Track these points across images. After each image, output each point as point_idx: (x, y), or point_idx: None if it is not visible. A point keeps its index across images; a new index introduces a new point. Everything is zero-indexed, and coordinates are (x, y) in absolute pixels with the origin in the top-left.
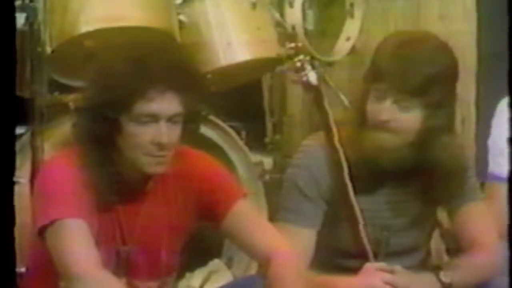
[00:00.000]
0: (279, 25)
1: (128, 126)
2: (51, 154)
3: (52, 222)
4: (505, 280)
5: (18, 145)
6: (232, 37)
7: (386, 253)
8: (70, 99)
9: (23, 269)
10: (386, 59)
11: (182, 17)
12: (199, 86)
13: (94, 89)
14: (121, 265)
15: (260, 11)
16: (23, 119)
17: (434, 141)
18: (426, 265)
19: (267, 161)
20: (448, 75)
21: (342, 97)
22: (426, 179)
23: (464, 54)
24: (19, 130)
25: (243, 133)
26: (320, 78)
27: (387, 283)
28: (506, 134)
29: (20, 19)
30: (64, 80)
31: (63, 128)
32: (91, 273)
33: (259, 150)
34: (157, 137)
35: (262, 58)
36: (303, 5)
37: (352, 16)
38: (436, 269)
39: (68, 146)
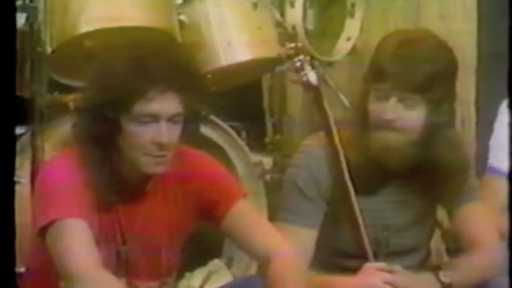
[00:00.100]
0: (279, 25)
1: (128, 126)
2: (51, 154)
3: (52, 222)
4: (505, 280)
5: (18, 145)
6: (232, 37)
7: (386, 253)
8: (70, 99)
9: (23, 269)
10: (388, 59)
11: (182, 17)
12: (199, 86)
13: (94, 89)
14: (121, 265)
15: (261, 11)
16: (23, 119)
17: (437, 138)
18: (426, 265)
19: (267, 161)
20: (448, 72)
21: (342, 97)
22: (428, 177)
23: (464, 54)
24: (19, 130)
25: (243, 133)
26: (320, 78)
27: (387, 283)
28: (507, 130)
29: (21, 19)
30: (64, 80)
31: (63, 128)
32: (91, 273)
33: (259, 150)
34: (157, 137)
35: (263, 58)
36: (304, 5)
37: (352, 16)
38: (436, 269)
39: (68, 146)
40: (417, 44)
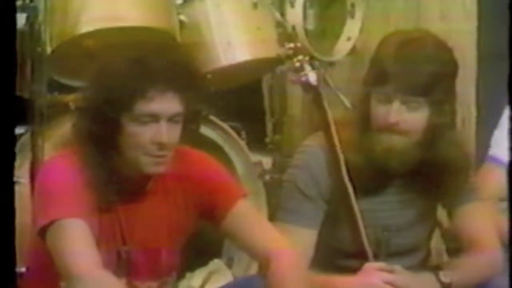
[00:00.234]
0: (279, 25)
1: (128, 126)
2: (51, 154)
3: (52, 222)
4: (505, 280)
5: (18, 145)
6: (232, 37)
7: (387, 253)
8: (70, 99)
9: (23, 269)
10: (389, 62)
11: (182, 17)
12: (199, 86)
13: (94, 89)
14: (121, 265)
15: (261, 11)
16: (23, 119)
17: (439, 139)
18: (426, 265)
19: (267, 161)
20: (449, 73)
21: (342, 97)
22: (429, 177)
23: (464, 54)
24: (19, 130)
25: (243, 133)
26: (320, 78)
27: (387, 282)
28: None
29: (21, 19)
30: (64, 80)
31: (63, 128)
32: (91, 273)
33: (259, 150)
34: (157, 137)
35: (262, 58)
36: (304, 5)
37: (352, 16)
38: (435, 269)
39: (68, 146)
40: (418, 46)
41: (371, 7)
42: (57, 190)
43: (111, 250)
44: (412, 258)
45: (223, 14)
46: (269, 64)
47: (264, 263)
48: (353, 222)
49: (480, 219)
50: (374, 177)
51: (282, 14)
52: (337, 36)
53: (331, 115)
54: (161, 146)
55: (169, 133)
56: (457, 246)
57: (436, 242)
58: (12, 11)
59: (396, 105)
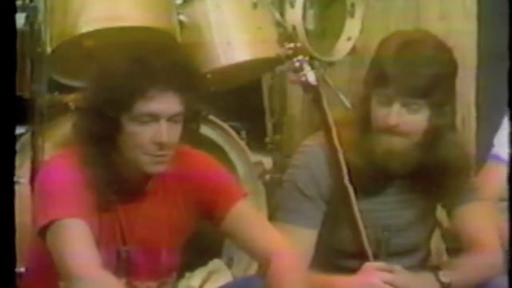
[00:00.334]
0: (279, 25)
1: (129, 126)
2: (51, 154)
3: (52, 222)
4: (505, 280)
5: (18, 145)
6: (232, 37)
7: (387, 253)
8: (70, 99)
9: (23, 269)
10: (389, 63)
11: (182, 17)
12: (199, 86)
13: (94, 89)
14: (121, 265)
15: (261, 11)
16: (23, 119)
17: (439, 139)
18: (426, 265)
19: (267, 161)
20: (449, 74)
21: (342, 97)
22: (429, 177)
23: (464, 54)
24: (19, 130)
25: (243, 133)
26: (320, 78)
27: (386, 282)
28: None
29: (21, 19)
30: (64, 80)
31: (63, 128)
32: (92, 273)
33: (259, 150)
34: (157, 136)
35: (262, 58)
36: (304, 5)
37: (352, 16)
38: (435, 269)
39: (68, 146)
40: (418, 47)
41: (371, 7)
42: (57, 190)
43: (111, 250)
44: (412, 258)
45: (223, 14)
46: (269, 64)
47: (264, 263)
48: (353, 222)
49: (480, 219)
50: (374, 178)
51: (282, 14)
52: (337, 36)
53: (331, 115)
54: (161, 146)
55: (169, 133)
56: (457, 246)
57: (436, 242)
58: (12, 11)
59: (396, 107)
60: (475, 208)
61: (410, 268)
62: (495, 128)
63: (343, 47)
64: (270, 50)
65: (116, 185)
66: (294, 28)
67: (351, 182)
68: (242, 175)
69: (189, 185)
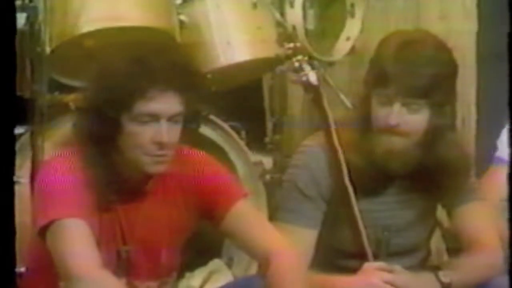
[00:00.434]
0: (279, 25)
1: (129, 126)
2: (51, 154)
3: (52, 222)
4: (505, 280)
5: (18, 145)
6: (232, 37)
7: (387, 253)
8: (70, 99)
9: (23, 269)
10: (389, 63)
11: (182, 17)
12: (199, 86)
13: (95, 89)
14: (121, 265)
15: (260, 11)
16: (23, 119)
17: (439, 139)
18: (426, 265)
19: (267, 161)
20: (450, 74)
21: (343, 97)
22: (429, 177)
23: (464, 54)
24: (19, 130)
25: (243, 133)
26: (320, 78)
27: (386, 282)
28: None
29: (21, 19)
30: (64, 80)
31: (63, 128)
32: (92, 273)
33: (259, 150)
34: (157, 136)
35: (262, 58)
36: (304, 5)
37: (352, 16)
38: (435, 269)
39: (68, 146)
40: (418, 47)
41: (371, 7)
42: (57, 190)
43: (111, 250)
44: (412, 258)
45: (223, 14)
46: (268, 64)
47: (264, 263)
48: (353, 222)
49: (480, 219)
50: (374, 178)
51: (282, 14)
52: (336, 36)
53: (331, 115)
54: (161, 145)
55: (169, 133)
56: (457, 246)
57: (436, 242)
58: (12, 11)
59: (396, 107)
60: (475, 208)
61: (410, 268)
62: (495, 128)
63: (343, 47)
64: (270, 50)
65: (116, 185)
66: (294, 28)
67: (351, 182)
68: (242, 175)
69: (189, 185)
